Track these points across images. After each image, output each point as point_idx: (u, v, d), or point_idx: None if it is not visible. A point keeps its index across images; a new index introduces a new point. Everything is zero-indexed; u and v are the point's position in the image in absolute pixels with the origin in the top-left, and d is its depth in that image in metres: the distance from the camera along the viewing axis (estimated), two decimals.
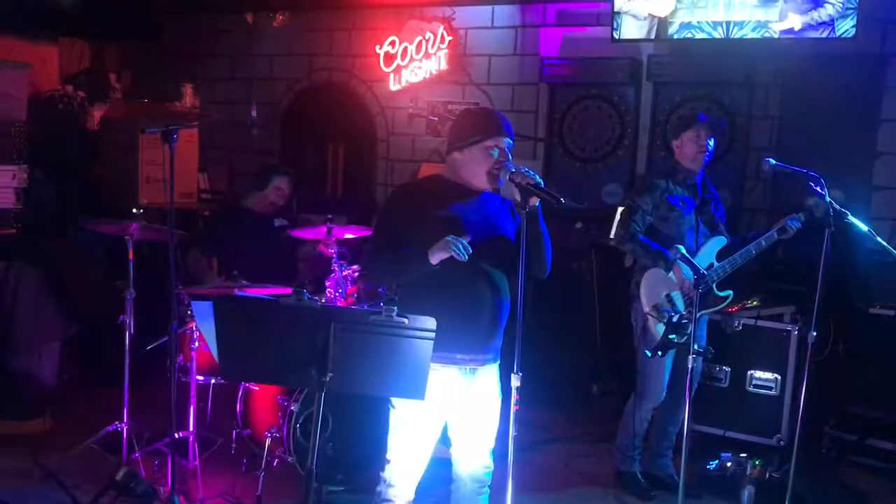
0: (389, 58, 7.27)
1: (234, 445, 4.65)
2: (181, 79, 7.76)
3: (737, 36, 5.86)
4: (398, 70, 7.25)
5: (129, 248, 4.42)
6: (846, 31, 5.55)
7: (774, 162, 4.25)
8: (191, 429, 4.41)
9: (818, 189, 3.96)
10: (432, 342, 2.60)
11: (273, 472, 4.29)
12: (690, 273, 3.79)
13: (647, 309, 4.28)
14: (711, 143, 4.40)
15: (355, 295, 4.91)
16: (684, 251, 3.76)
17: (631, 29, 6.18)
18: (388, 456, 3.24)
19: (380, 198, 7.43)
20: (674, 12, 6.03)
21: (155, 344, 4.62)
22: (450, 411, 3.24)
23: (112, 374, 4.59)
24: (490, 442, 3.29)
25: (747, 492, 4.34)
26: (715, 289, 4.23)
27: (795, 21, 5.69)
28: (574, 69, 6.58)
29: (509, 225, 3.29)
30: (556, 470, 4.93)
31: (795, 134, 5.88)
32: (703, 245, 4.33)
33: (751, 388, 5.05)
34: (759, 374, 5.03)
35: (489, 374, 3.25)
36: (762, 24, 5.78)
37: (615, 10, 6.17)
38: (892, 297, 5.08)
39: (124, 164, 6.66)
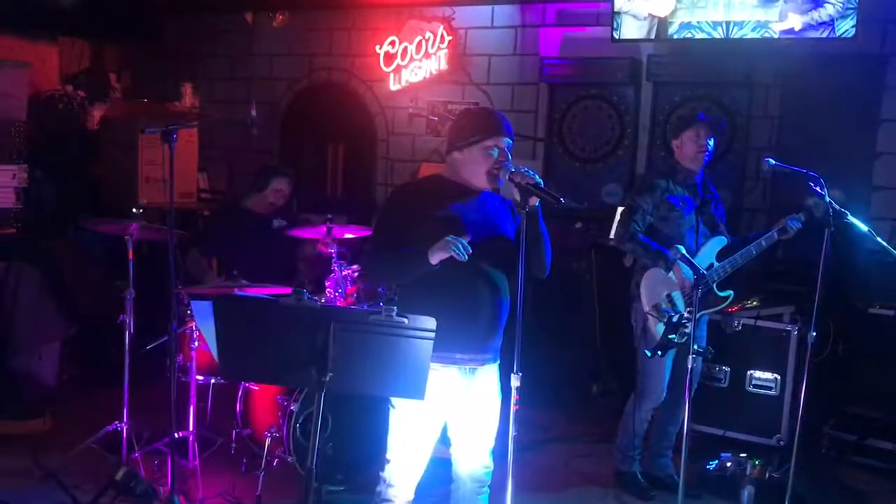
0: (389, 58, 7.26)
1: (233, 445, 4.65)
2: (181, 79, 7.77)
3: (737, 36, 5.86)
4: (398, 70, 7.25)
5: (128, 247, 4.42)
6: (846, 31, 5.55)
7: (774, 162, 4.25)
8: (191, 429, 4.40)
9: (818, 189, 3.96)
10: (432, 342, 2.60)
11: (273, 472, 4.28)
12: (690, 273, 3.79)
13: (647, 309, 4.28)
14: (711, 142, 4.39)
15: (355, 295, 4.90)
16: (684, 251, 3.76)
17: (631, 29, 6.18)
18: (388, 456, 3.24)
19: (380, 198, 7.42)
20: (674, 12, 6.02)
21: (155, 344, 4.62)
22: (449, 411, 3.23)
23: (112, 373, 4.59)
24: (490, 442, 3.29)
25: (747, 492, 4.34)
26: (715, 289, 4.24)
27: (795, 21, 5.69)
28: (574, 69, 6.58)
29: (509, 225, 3.28)
30: (556, 470, 4.93)
31: (795, 134, 5.88)
32: (704, 245, 4.32)
33: (750, 388, 5.05)
34: (758, 374, 5.03)
35: (489, 373, 3.25)
36: (762, 24, 5.78)
37: (615, 10, 6.17)
38: (892, 297, 5.08)
39: (124, 163, 6.66)
